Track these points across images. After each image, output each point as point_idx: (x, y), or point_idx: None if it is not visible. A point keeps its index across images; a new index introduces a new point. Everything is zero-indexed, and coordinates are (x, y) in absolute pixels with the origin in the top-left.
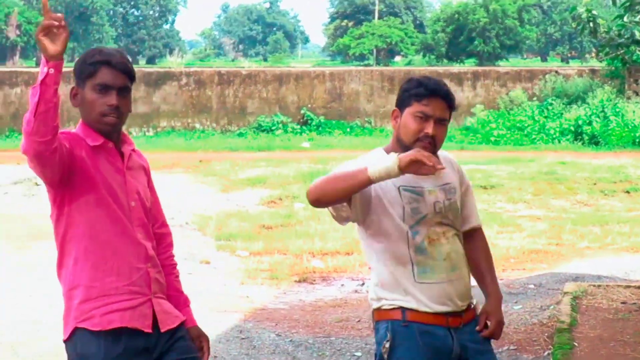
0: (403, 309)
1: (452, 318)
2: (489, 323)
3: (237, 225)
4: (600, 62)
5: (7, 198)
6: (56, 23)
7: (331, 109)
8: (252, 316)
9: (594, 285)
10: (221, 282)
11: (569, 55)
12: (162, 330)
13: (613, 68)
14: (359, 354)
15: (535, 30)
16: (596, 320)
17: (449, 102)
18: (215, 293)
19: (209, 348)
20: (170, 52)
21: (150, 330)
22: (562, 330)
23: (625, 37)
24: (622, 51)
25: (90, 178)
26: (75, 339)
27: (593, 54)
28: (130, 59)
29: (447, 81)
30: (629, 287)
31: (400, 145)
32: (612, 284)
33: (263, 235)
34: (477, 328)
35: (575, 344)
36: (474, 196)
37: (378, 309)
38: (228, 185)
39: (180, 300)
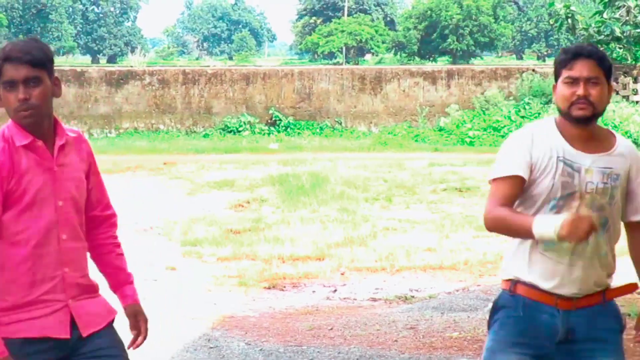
0: (513, 282)
1: (562, 301)
2: None
3: (204, 230)
4: None
5: None
6: None
7: (300, 109)
8: (220, 324)
9: None
10: (188, 289)
11: (546, 53)
12: (84, 335)
13: None
14: None
15: (510, 27)
16: None
17: (597, 60)
18: (182, 300)
19: (146, 328)
20: (132, 51)
21: (67, 336)
22: None
23: (605, 34)
24: (601, 49)
25: (17, 190)
26: None
27: None
28: (40, 46)
29: (420, 80)
30: None
31: (562, 114)
32: None
33: (231, 240)
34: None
35: None
36: None
37: (503, 278)
38: (194, 188)
39: (119, 278)
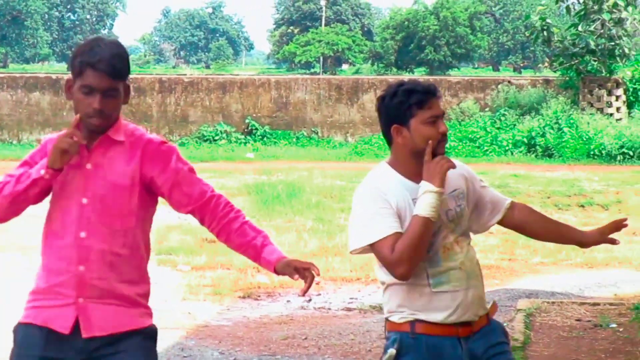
0: (412, 323)
1: (463, 328)
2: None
3: (179, 239)
4: (554, 72)
5: None
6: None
7: (276, 119)
8: (194, 333)
9: (548, 302)
10: (162, 297)
11: (522, 64)
12: (84, 337)
13: (567, 78)
14: None
15: (486, 39)
16: (550, 338)
17: (440, 95)
18: (156, 309)
19: (309, 271)
20: None
21: (66, 332)
22: (516, 348)
23: (580, 46)
24: (576, 61)
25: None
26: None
27: (546, 64)
28: (123, 55)
29: None
30: (583, 304)
31: (416, 156)
32: (566, 301)
33: (205, 249)
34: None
35: None
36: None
37: (389, 320)
38: None
39: (252, 251)
